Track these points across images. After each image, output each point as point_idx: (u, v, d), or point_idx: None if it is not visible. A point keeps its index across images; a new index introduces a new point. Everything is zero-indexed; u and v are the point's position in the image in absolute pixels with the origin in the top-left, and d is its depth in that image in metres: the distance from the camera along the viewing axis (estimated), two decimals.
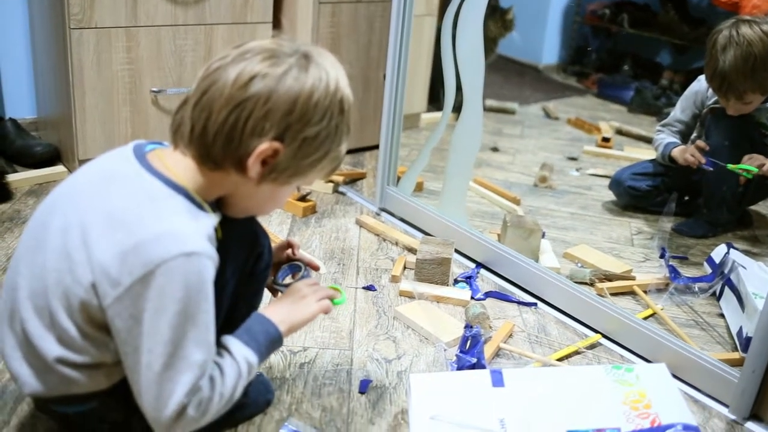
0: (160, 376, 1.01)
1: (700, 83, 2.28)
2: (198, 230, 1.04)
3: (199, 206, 1.07)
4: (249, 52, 1.06)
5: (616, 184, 2.47)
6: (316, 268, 1.39)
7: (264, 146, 1.04)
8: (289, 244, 1.38)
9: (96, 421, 1.16)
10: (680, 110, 2.35)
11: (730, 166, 2.10)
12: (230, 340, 1.12)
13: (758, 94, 2.10)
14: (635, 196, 2.42)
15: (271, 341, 1.17)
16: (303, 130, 1.05)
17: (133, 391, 1.05)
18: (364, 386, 1.46)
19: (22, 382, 1.11)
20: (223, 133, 1.03)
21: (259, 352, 1.14)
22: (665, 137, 2.35)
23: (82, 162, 2.28)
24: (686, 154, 2.22)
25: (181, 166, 1.08)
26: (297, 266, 1.36)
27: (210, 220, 1.07)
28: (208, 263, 1.02)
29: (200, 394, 1.04)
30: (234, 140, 1.04)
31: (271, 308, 1.21)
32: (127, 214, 1.03)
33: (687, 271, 2.04)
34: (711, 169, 2.16)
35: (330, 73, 1.08)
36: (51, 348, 1.07)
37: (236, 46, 1.08)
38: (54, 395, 1.12)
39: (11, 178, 2.24)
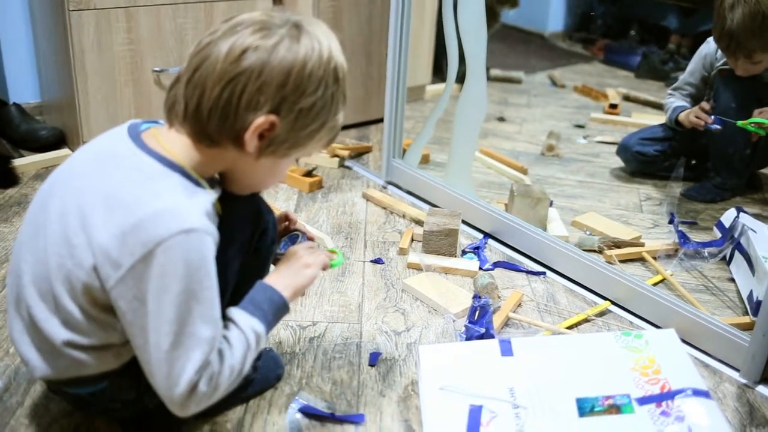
0: (168, 355, 1.01)
1: (709, 45, 2.25)
2: (196, 207, 1.02)
3: (197, 183, 1.06)
4: (239, 25, 1.04)
5: (623, 149, 2.45)
6: (312, 239, 1.38)
7: (260, 120, 1.03)
8: (286, 217, 1.37)
9: (108, 400, 1.17)
10: (689, 73, 2.32)
11: (740, 123, 2.08)
12: (235, 312, 1.11)
13: (767, 54, 2.07)
14: (643, 161, 2.40)
15: (276, 308, 1.15)
16: (298, 101, 1.04)
17: (144, 370, 1.05)
18: (374, 359, 1.47)
19: (32, 366, 1.12)
20: (217, 109, 1.02)
21: (266, 321, 1.12)
22: (674, 101, 2.33)
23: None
24: (691, 116, 2.20)
25: (177, 143, 1.07)
26: (296, 236, 1.36)
27: (208, 196, 1.07)
28: (208, 239, 1.02)
29: (210, 369, 1.03)
30: (229, 116, 1.03)
31: (272, 276, 1.20)
32: (123, 194, 1.02)
33: (696, 236, 2.03)
34: (719, 127, 2.14)
35: (322, 42, 1.06)
36: (57, 332, 1.07)
37: (226, 20, 1.07)
38: (65, 378, 1.12)
39: (17, 162, 2.25)
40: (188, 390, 1.02)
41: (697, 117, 2.18)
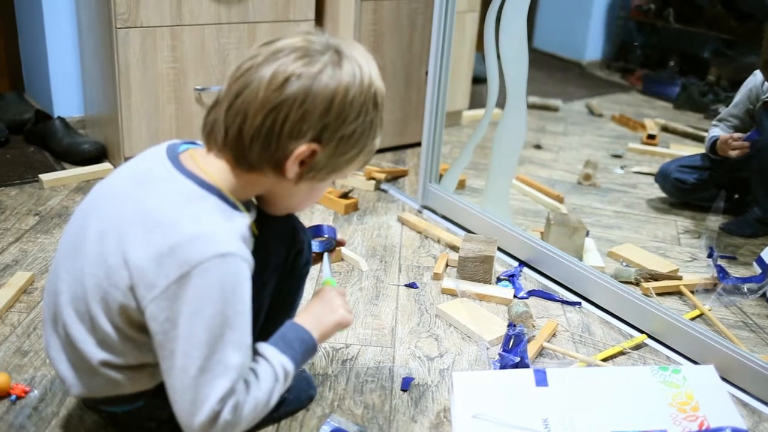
0: (195, 380, 1.00)
1: (756, 77, 2.22)
2: (232, 231, 1.03)
3: (233, 206, 1.07)
4: (281, 51, 1.03)
5: (662, 176, 2.42)
6: (342, 243, 1.39)
7: (302, 149, 1.03)
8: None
9: (144, 419, 1.17)
10: (734, 105, 2.29)
11: None
12: (266, 347, 1.10)
13: None
14: (682, 189, 2.37)
15: (306, 348, 1.15)
16: (340, 129, 1.04)
17: (168, 394, 1.03)
18: (407, 384, 1.46)
19: (69, 384, 1.13)
20: (259, 137, 1.03)
21: (295, 360, 1.12)
22: (717, 132, 2.30)
23: (127, 159, 2.31)
24: (725, 144, 2.18)
25: (215, 167, 1.07)
26: (328, 242, 1.38)
27: (244, 220, 1.07)
28: (243, 264, 1.02)
29: (235, 398, 1.02)
30: (271, 144, 1.03)
31: (303, 316, 1.20)
32: (161, 216, 1.02)
33: (735, 271, 2.00)
34: (757, 137, 2.13)
35: (363, 68, 1.06)
36: (94, 351, 1.08)
37: (265, 43, 1.06)
38: (101, 396, 1.13)
39: (59, 175, 2.28)
40: (210, 418, 1.00)
41: (733, 142, 2.16)
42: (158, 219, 1.02)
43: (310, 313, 1.20)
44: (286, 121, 1.02)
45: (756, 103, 2.23)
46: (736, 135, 2.16)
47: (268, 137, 1.03)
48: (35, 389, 1.36)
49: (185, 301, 0.99)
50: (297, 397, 1.35)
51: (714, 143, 2.25)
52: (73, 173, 2.32)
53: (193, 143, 1.15)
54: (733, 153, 2.14)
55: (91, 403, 1.19)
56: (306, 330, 1.16)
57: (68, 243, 1.12)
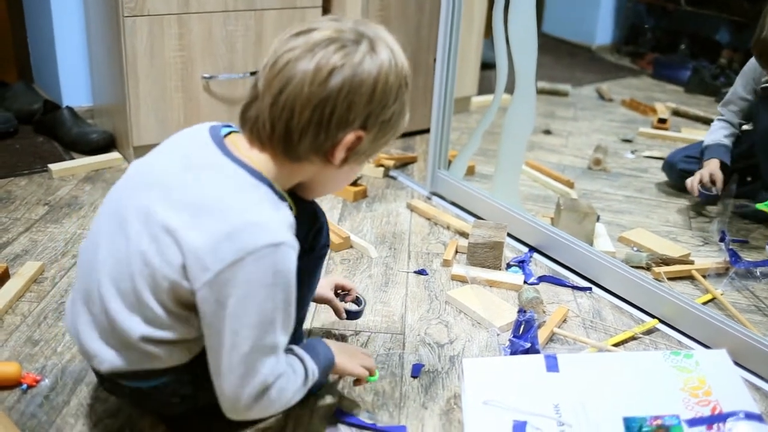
0: (247, 357, 1.04)
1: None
2: (282, 221, 1.06)
3: (280, 196, 1.10)
4: (318, 44, 1.05)
5: (669, 167, 2.41)
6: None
7: (350, 137, 1.08)
8: (342, 287, 1.53)
9: (169, 394, 1.18)
10: (741, 86, 2.26)
11: (760, 206, 2.07)
12: (300, 350, 1.18)
13: None
14: (673, 165, 2.34)
15: (326, 368, 1.23)
16: (381, 114, 1.09)
17: (211, 370, 1.08)
18: (417, 370, 1.46)
19: (100, 360, 1.14)
20: (308, 131, 1.06)
21: (319, 372, 1.20)
22: (714, 131, 2.28)
23: (136, 149, 2.32)
24: (691, 183, 2.24)
25: (260, 157, 1.10)
26: (360, 299, 1.55)
27: (288, 210, 1.10)
28: (292, 253, 1.05)
29: (284, 378, 1.09)
30: (320, 135, 1.07)
31: (331, 342, 1.29)
32: (216, 202, 1.05)
33: (748, 255, 1.98)
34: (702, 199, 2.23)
35: (395, 50, 1.10)
36: (136, 327, 1.09)
37: (296, 34, 1.08)
38: (130, 370, 1.14)
39: (68, 164, 2.29)
40: (259, 391, 1.06)
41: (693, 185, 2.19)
42: (212, 205, 1.05)
43: (338, 347, 1.29)
44: (334, 113, 1.05)
45: (760, 83, 2.20)
46: (703, 181, 2.21)
47: (316, 130, 1.06)
48: (46, 378, 1.36)
49: (238, 285, 1.02)
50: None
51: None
52: (82, 163, 2.32)
53: (229, 126, 1.17)
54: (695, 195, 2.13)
55: (113, 382, 1.19)
56: (332, 352, 1.25)
57: (107, 223, 1.14)
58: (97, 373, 1.20)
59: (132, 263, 1.07)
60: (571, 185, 2.42)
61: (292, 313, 1.08)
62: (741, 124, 2.26)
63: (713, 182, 2.20)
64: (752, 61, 2.21)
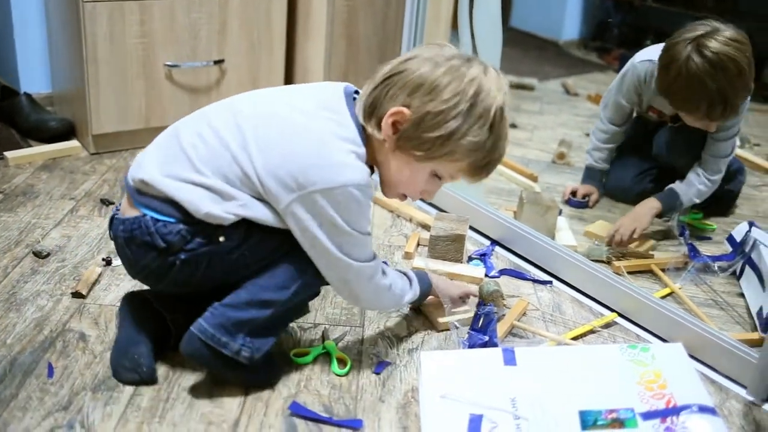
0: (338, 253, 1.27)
1: (636, 68, 2.14)
2: (368, 176, 1.26)
3: (369, 165, 1.29)
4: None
5: (622, 193, 2.30)
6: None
7: (394, 109, 1.22)
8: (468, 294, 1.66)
9: (180, 241, 1.25)
10: (622, 96, 2.21)
11: (684, 219, 2.13)
12: (411, 272, 1.51)
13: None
14: (647, 195, 2.17)
15: (423, 292, 1.52)
16: (427, 103, 1.21)
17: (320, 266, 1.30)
18: (380, 368, 1.44)
19: (147, 169, 1.27)
20: (371, 98, 1.26)
21: (414, 292, 1.48)
22: (593, 149, 2.31)
23: (95, 137, 2.28)
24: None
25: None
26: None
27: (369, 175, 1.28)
28: (369, 201, 1.27)
29: (381, 269, 1.37)
30: (377, 105, 1.25)
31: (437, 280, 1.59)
32: (325, 136, 1.24)
33: (707, 250, 2.00)
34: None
35: (487, 79, 1.23)
36: (206, 175, 1.25)
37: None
38: (166, 195, 1.24)
39: (25, 152, 2.24)
40: (370, 258, 1.33)
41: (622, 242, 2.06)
42: (323, 139, 1.23)
43: (444, 281, 1.61)
44: (391, 89, 1.24)
45: (640, 102, 2.19)
46: (577, 195, 2.27)
47: (376, 101, 1.25)
48: None
49: (325, 206, 1.22)
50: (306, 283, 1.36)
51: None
52: (40, 150, 2.27)
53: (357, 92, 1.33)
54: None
55: (140, 192, 1.28)
56: (428, 283, 1.55)
57: (220, 106, 1.34)
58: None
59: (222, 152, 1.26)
60: (534, 179, 2.42)
61: (368, 242, 1.32)
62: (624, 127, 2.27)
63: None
64: (636, 73, 2.14)
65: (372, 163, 1.32)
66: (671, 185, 2.12)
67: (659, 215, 2.09)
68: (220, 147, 1.25)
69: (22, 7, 2.45)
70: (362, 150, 1.26)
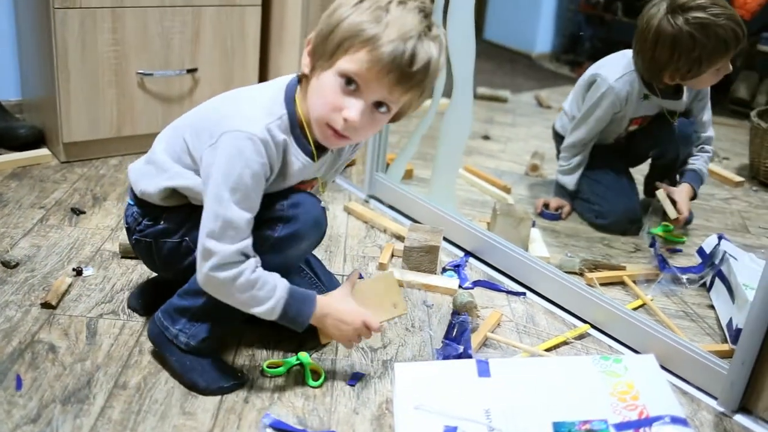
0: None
1: (614, 89, 2.19)
2: (268, 135, 1.24)
3: (298, 126, 1.31)
4: None
5: (630, 222, 2.21)
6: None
7: (308, 38, 1.27)
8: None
9: (133, 222, 1.42)
10: (576, 106, 2.28)
11: (654, 231, 2.17)
12: (285, 282, 1.30)
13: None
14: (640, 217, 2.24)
15: (295, 317, 1.31)
16: (328, 17, 1.23)
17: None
18: (354, 380, 1.43)
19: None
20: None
21: (285, 311, 1.29)
22: (564, 168, 2.33)
23: (66, 145, 2.25)
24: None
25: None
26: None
27: (291, 143, 1.30)
28: (259, 162, 1.24)
29: (245, 265, 1.25)
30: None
31: (327, 300, 1.35)
32: (243, 102, 1.32)
33: (678, 261, 2.03)
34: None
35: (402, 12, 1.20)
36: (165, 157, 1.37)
37: None
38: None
39: None
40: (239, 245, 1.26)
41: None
42: (241, 102, 1.32)
43: (334, 307, 1.35)
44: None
45: (620, 119, 2.21)
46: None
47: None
48: None
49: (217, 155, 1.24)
50: (306, 212, 1.39)
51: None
52: (9, 159, 2.24)
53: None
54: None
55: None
56: (315, 309, 1.32)
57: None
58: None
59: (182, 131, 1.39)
60: (508, 190, 2.44)
61: (253, 201, 1.26)
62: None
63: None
64: (615, 92, 2.17)
65: (306, 120, 1.30)
66: (690, 167, 2.21)
67: (692, 198, 2.21)
68: (175, 133, 1.38)
69: None
70: (278, 120, 1.27)
